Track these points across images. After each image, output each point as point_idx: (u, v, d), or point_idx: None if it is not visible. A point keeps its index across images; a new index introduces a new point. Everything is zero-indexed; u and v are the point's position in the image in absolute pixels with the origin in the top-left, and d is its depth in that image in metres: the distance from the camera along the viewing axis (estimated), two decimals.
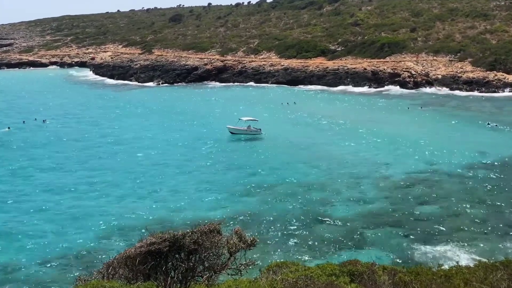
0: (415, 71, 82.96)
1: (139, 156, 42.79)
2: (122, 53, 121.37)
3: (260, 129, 50.47)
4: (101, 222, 28.13)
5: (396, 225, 26.77)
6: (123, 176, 37.00)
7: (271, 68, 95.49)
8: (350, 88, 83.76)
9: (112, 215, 29.18)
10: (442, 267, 9.73)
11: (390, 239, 25.12)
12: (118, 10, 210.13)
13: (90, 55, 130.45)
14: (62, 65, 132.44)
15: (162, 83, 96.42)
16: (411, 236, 25.30)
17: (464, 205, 29.23)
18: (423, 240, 24.81)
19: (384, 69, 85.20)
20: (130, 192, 33.39)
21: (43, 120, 59.85)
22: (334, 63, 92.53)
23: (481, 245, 23.92)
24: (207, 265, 8.72)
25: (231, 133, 49.66)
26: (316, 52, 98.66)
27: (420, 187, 32.88)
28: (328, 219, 27.93)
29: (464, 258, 22.19)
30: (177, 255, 8.50)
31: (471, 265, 10.27)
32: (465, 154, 40.44)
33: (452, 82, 79.32)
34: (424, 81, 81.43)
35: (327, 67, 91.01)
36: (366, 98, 73.75)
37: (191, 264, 8.55)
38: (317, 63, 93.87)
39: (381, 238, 25.24)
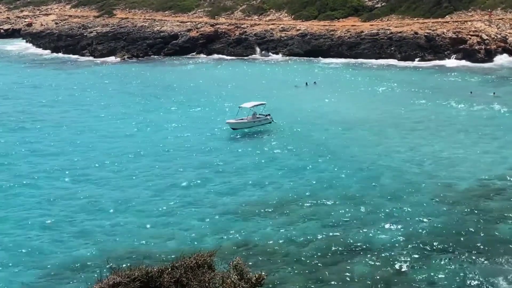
0: (487, 35, 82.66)
1: (96, 164, 43.01)
2: (71, 16, 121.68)
3: (269, 115, 52.08)
4: (42, 253, 28.13)
5: (463, 252, 26.77)
6: (73, 186, 37.21)
7: (283, 34, 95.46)
8: (394, 61, 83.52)
9: (59, 242, 29.22)
10: None
11: (457, 272, 25.14)
12: None
13: (26, 20, 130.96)
14: None
15: (127, 58, 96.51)
16: (485, 267, 25.31)
17: None
18: (503, 272, 24.81)
19: (444, 33, 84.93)
20: (82, 210, 33.47)
21: None
22: (371, 25, 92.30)
23: None
24: None
25: (233, 129, 50.35)
26: (346, 11, 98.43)
27: (497, 199, 32.91)
28: (366, 246, 27.94)
29: None
30: None
31: None
32: None
33: None
34: (500, 48, 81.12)
35: (362, 32, 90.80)
36: (417, 75, 73.65)
37: None
38: (347, 26, 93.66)
39: (443, 271, 25.23)
